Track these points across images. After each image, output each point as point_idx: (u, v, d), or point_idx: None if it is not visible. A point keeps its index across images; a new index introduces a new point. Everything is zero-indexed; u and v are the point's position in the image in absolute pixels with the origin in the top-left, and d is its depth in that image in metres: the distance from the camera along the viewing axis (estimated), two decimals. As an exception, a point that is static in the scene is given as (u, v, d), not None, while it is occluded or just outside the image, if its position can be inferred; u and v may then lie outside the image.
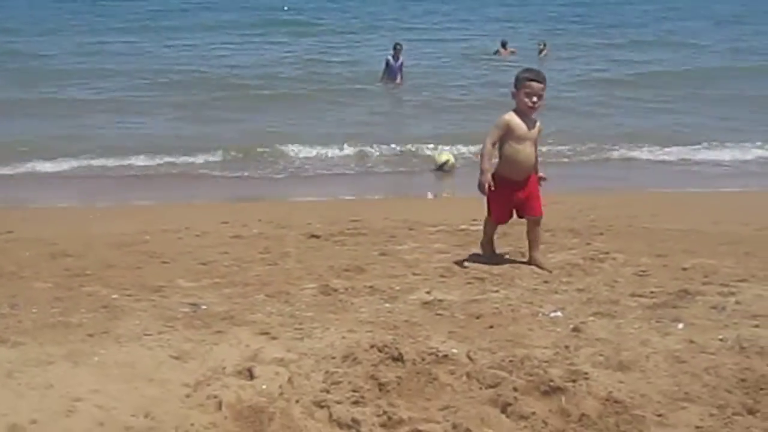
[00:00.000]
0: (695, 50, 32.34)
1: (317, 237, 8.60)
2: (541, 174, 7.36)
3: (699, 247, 7.91)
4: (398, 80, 23.87)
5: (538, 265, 7.10)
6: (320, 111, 20.06)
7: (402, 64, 24.08)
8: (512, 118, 7.07)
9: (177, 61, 28.40)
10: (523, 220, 7.34)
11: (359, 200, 12.22)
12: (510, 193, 7.17)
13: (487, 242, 7.61)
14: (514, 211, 7.34)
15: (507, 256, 7.48)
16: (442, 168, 14.35)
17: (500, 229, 7.68)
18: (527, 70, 7.24)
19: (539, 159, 7.37)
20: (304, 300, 6.19)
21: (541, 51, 30.38)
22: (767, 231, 8.98)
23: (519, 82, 7.04)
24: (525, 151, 7.08)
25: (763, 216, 9.83)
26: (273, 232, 9.07)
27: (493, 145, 7.07)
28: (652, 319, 5.56)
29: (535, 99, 6.95)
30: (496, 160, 7.14)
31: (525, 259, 7.31)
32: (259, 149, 15.61)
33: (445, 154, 14.57)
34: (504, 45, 31.44)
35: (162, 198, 12.41)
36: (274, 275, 6.99)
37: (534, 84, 6.96)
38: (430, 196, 13.23)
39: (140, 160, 14.75)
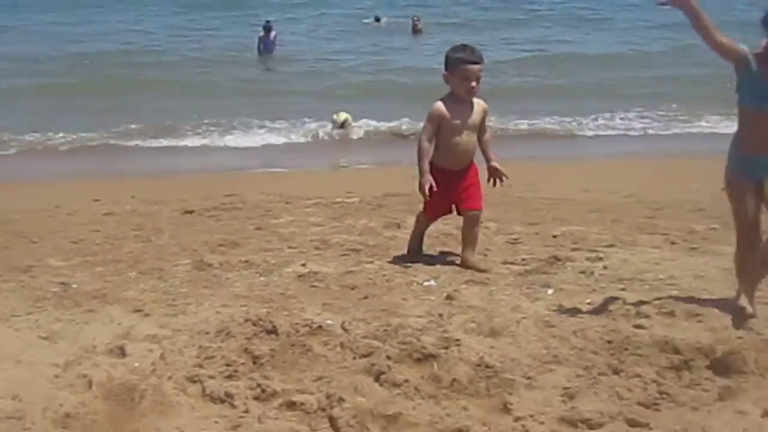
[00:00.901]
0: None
1: (191, 212, 8.52)
2: (495, 164, 6.33)
3: (569, 215, 8.12)
4: (272, 54, 24.80)
5: (472, 268, 6.17)
6: (197, 85, 19.79)
7: (275, 38, 25.02)
8: (444, 108, 6.20)
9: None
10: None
11: (235, 174, 12.12)
12: (448, 184, 6.24)
13: (415, 240, 6.67)
14: (453, 206, 6.45)
15: (438, 256, 6.65)
16: (342, 126, 15.46)
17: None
18: (460, 48, 6.18)
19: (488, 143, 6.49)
20: (178, 276, 6.12)
21: (415, 26, 30.45)
22: (634, 198, 9.27)
23: (452, 64, 6.13)
24: (464, 140, 6.23)
25: (630, 184, 10.11)
26: (146, 208, 8.95)
27: (429, 141, 6.22)
28: (523, 286, 5.68)
29: (473, 83, 6.10)
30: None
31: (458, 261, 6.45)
32: (133, 125, 15.40)
33: (343, 114, 15.58)
34: (377, 19, 31.78)
35: (30, 176, 12.07)
36: (148, 252, 6.90)
37: (471, 67, 6.06)
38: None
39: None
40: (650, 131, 16.06)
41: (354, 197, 9.25)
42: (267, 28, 25.18)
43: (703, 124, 16.15)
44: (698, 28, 4.57)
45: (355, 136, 15.51)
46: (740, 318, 4.83)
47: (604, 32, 30.76)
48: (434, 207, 6.39)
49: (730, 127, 5.15)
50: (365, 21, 32.82)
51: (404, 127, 15.65)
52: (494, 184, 6.37)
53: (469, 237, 6.32)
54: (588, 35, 30.06)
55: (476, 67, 6.08)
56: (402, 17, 32.07)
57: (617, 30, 31.18)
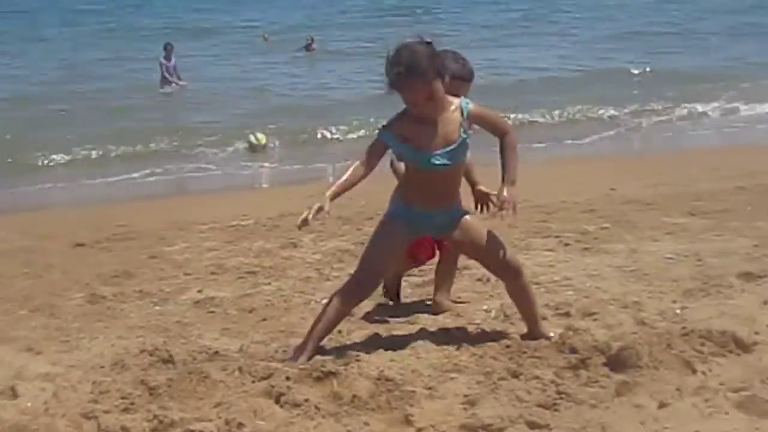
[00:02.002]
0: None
1: (83, 245, 8.35)
2: (481, 187, 5.17)
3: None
4: (175, 82, 23.14)
5: (446, 311, 5.37)
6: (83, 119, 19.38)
7: (175, 64, 23.35)
8: None
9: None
10: None
11: (126, 204, 11.90)
12: None
13: (392, 284, 5.75)
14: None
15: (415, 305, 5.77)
16: (255, 148, 15.56)
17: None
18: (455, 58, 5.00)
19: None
20: (71, 311, 5.99)
21: (308, 46, 30.49)
22: (526, 203, 9.35)
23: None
24: None
25: (527, 190, 10.23)
26: (36, 243, 8.73)
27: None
28: (421, 297, 5.71)
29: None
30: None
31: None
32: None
33: (260, 135, 15.68)
34: (265, 38, 31.91)
35: None
36: (39, 288, 6.73)
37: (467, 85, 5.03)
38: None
39: None
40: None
41: (249, 219, 9.17)
42: (168, 50, 23.19)
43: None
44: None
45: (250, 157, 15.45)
46: None
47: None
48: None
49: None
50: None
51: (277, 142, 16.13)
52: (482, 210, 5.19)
53: (445, 276, 5.50)
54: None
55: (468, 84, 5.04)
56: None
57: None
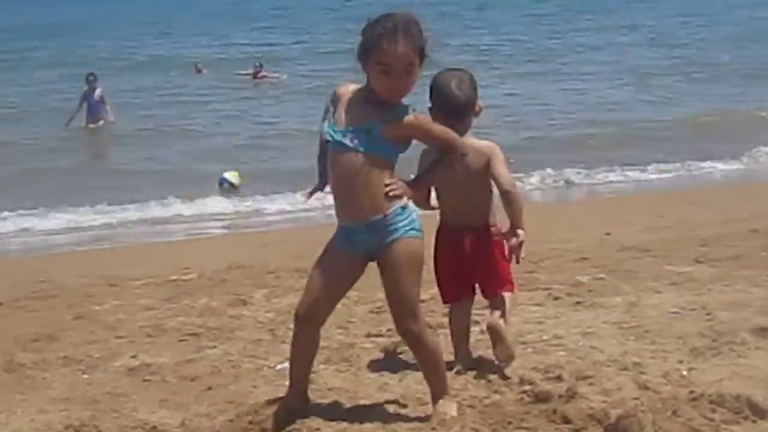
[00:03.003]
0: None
1: (-2, 304, 8.27)
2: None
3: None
4: (103, 117, 22.88)
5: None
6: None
7: (102, 97, 23.02)
8: None
9: None
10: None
11: (47, 256, 11.84)
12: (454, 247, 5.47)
13: (457, 339, 5.65)
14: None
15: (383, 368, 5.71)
16: (231, 185, 15.91)
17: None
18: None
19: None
20: (-16, 382, 5.92)
21: (257, 73, 30.84)
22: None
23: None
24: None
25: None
26: (-58, 302, 8.63)
27: None
28: (390, 361, 5.70)
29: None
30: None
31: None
32: None
33: (234, 174, 16.08)
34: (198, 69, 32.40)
35: None
36: (-54, 356, 6.64)
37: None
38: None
39: None
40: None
41: (191, 273, 9.14)
42: (90, 81, 22.85)
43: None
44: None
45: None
46: None
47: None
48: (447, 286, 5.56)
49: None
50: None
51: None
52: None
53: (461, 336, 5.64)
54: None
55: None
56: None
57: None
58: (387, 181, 4.40)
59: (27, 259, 11.76)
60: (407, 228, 4.43)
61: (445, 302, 5.70)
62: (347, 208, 4.51)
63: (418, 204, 4.75)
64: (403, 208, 4.43)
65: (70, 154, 20.03)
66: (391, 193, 4.38)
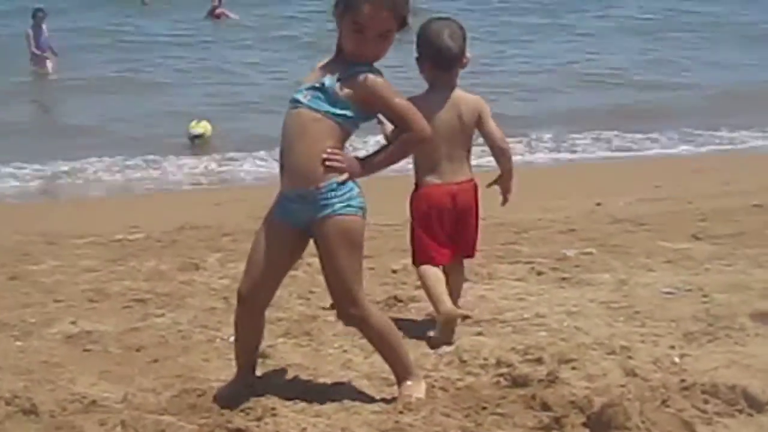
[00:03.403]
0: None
1: None
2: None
3: (412, 244, 8.20)
4: (47, 60, 22.50)
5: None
6: None
7: (45, 36, 22.61)
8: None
9: None
10: None
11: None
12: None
13: (438, 295, 5.63)
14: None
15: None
16: (198, 138, 15.65)
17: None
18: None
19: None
20: None
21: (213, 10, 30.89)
22: (490, 220, 9.38)
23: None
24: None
25: (484, 202, 10.29)
26: None
27: None
28: (355, 336, 5.66)
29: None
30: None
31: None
32: None
33: (203, 124, 15.73)
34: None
35: None
36: None
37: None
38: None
39: None
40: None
41: (139, 232, 9.14)
42: (38, 17, 22.68)
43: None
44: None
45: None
46: None
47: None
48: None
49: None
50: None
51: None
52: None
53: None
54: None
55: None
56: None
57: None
58: (329, 150, 4.38)
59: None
60: (343, 204, 4.41)
61: (427, 263, 5.70)
62: (284, 171, 4.54)
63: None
64: (341, 183, 4.40)
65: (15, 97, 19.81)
66: (328, 163, 4.36)
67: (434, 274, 5.67)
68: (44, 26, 22.63)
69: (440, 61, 5.49)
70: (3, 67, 22.45)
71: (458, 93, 5.57)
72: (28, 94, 21.13)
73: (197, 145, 15.64)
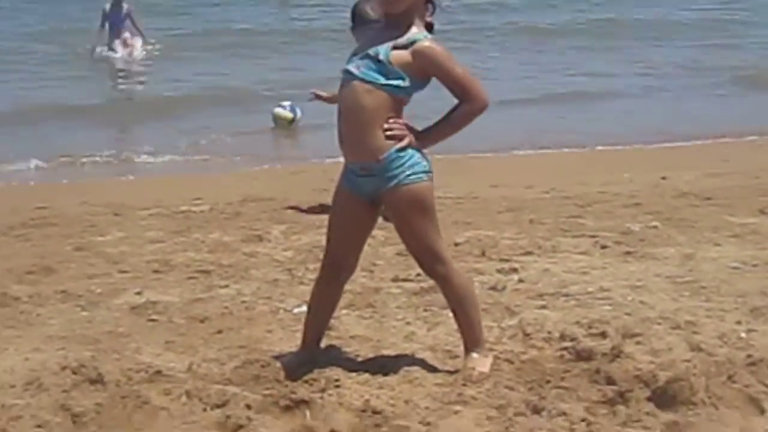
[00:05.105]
0: None
1: (-8, 232, 8.32)
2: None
3: (475, 217, 8.22)
4: (127, 40, 20.61)
5: None
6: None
7: (130, 13, 20.77)
8: None
9: None
10: None
11: (49, 180, 11.86)
12: None
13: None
14: None
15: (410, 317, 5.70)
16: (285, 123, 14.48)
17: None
18: None
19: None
20: (-25, 316, 5.96)
21: None
22: (554, 193, 9.41)
23: None
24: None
25: (549, 176, 10.28)
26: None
27: None
28: (419, 308, 5.70)
29: None
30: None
31: None
32: None
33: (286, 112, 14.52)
34: None
35: None
36: (-65, 286, 6.70)
37: None
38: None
39: None
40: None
41: (203, 204, 9.18)
42: None
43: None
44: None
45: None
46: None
47: None
48: None
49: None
50: None
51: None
52: None
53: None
54: None
55: None
56: None
57: None
58: (390, 119, 4.38)
59: (27, 186, 11.76)
60: (407, 173, 4.41)
61: None
62: (345, 144, 4.54)
63: None
64: (400, 150, 4.38)
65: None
66: (388, 134, 4.36)
67: None
68: (125, 4, 20.78)
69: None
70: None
71: None
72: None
73: (282, 127, 14.51)
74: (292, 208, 8.87)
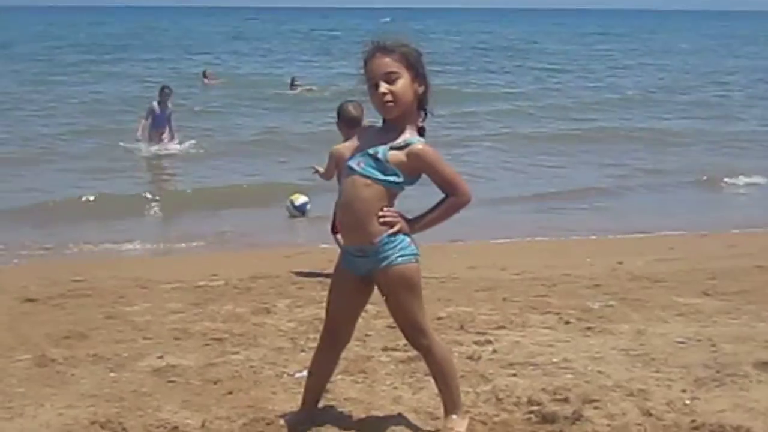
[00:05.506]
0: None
1: (33, 301, 8.28)
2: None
3: (455, 295, 8.19)
4: (166, 134, 20.52)
5: None
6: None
7: (171, 114, 20.74)
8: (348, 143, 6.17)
9: None
10: None
11: (82, 257, 11.86)
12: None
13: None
14: None
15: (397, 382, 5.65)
16: (299, 209, 14.34)
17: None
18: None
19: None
20: (16, 374, 5.90)
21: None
22: (524, 275, 9.42)
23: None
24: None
25: (520, 261, 10.30)
26: (-19, 297, 8.66)
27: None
28: (405, 375, 5.68)
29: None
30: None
31: None
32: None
33: (303, 197, 14.42)
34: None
35: None
36: (-19, 348, 6.65)
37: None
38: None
39: None
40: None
41: (218, 280, 9.17)
42: (165, 94, 20.53)
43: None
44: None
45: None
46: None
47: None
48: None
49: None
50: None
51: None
52: None
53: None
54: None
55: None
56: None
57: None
58: (384, 208, 4.40)
59: (64, 260, 11.75)
60: (397, 255, 4.41)
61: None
62: (344, 229, 4.57)
63: None
64: (392, 235, 4.40)
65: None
66: (381, 221, 4.38)
67: None
68: (169, 104, 20.72)
69: (349, 123, 8.54)
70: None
71: None
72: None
73: (295, 216, 14.32)
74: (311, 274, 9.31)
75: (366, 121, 5.56)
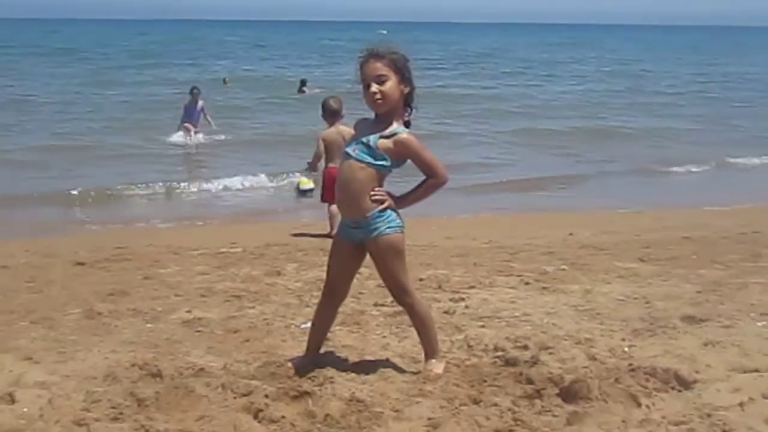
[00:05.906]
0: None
1: (82, 264, 8.27)
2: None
3: (434, 260, 8.19)
4: (196, 127, 20.60)
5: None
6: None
7: (203, 108, 20.93)
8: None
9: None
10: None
11: (125, 228, 11.84)
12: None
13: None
14: None
15: (386, 332, 5.62)
16: (305, 193, 14.41)
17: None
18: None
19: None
20: (68, 325, 5.89)
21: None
22: (492, 244, 9.42)
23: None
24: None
25: (488, 233, 10.30)
26: (39, 261, 8.65)
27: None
28: (392, 326, 5.68)
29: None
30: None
31: None
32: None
33: (308, 181, 14.40)
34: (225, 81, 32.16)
35: None
36: (39, 302, 6.62)
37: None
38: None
39: None
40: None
41: (237, 247, 9.15)
42: (194, 94, 20.90)
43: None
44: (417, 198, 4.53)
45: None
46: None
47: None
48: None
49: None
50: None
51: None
52: None
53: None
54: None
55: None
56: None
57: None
58: (375, 188, 4.41)
59: (110, 231, 11.74)
60: (386, 227, 4.42)
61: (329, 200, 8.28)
62: (342, 205, 4.58)
63: None
64: (382, 211, 4.41)
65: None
66: (373, 198, 4.40)
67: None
68: (200, 102, 20.90)
69: (332, 114, 9.93)
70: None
71: (341, 127, 9.73)
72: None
73: (308, 197, 14.30)
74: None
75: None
